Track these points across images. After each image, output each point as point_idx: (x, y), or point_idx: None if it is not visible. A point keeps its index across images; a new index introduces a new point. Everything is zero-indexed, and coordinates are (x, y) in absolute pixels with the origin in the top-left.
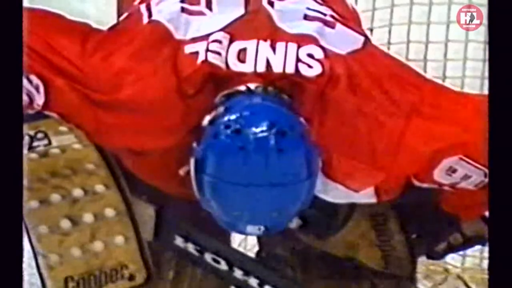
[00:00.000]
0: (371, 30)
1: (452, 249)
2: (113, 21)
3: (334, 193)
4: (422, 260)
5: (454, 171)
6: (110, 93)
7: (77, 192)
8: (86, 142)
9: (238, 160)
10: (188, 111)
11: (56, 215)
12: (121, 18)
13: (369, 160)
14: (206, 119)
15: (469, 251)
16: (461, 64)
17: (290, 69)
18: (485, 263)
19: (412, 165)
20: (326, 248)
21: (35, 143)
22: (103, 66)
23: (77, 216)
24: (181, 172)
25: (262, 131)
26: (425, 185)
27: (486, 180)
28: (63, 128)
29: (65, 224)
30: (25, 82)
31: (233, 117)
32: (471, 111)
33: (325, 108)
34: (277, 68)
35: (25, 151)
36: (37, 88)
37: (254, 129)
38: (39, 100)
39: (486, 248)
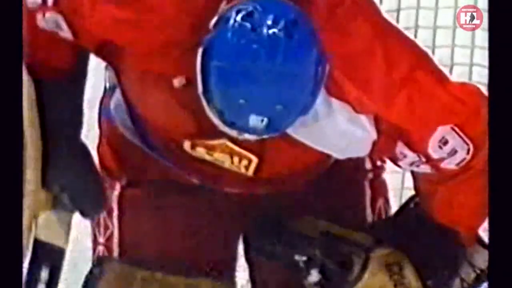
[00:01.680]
0: None
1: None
2: None
3: (336, 118)
4: None
5: (446, 142)
6: None
7: None
8: None
9: (247, 45)
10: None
11: None
12: None
13: (372, 90)
14: (213, 21)
15: None
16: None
17: None
18: None
19: (409, 117)
20: None
21: None
22: None
23: None
24: (176, 83)
25: (273, 19)
26: (412, 156)
27: (468, 157)
28: None
29: None
30: None
31: (245, 5)
32: (470, 89)
33: (336, 30)
34: None
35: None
36: None
37: (266, 16)
38: None
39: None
